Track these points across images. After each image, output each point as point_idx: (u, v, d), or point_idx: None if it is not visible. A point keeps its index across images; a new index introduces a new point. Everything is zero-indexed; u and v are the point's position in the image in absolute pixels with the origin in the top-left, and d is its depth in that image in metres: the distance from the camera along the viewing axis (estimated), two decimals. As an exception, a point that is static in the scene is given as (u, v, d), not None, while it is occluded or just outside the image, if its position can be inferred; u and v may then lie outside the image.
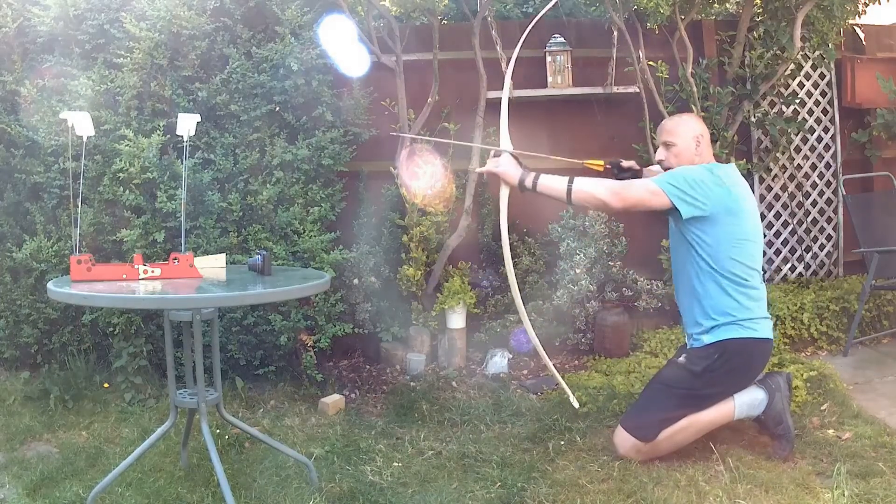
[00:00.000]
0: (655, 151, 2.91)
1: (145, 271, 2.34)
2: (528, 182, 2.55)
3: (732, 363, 2.54)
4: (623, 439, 2.58)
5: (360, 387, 3.52)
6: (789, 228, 4.37)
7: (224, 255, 2.81)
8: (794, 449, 2.58)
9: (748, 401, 2.58)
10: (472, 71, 3.85)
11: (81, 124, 2.39)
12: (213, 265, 2.59)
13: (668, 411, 2.52)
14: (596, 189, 2.50)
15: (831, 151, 4.41)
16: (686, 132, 2.72)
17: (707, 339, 2.57)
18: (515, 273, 3.94)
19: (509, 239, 4.01)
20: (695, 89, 3.93)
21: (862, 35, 4.46)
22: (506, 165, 2.61)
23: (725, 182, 2.53)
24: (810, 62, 4.30)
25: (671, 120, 2.88)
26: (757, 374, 2.65)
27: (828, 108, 4.41)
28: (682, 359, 2.63)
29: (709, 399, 2.54)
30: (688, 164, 2.68)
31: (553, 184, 2.54)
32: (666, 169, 2.74)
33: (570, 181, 2.51)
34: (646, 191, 2.51)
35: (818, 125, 4.39)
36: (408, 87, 3.87)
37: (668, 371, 2.67)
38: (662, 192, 2.48)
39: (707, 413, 2.55)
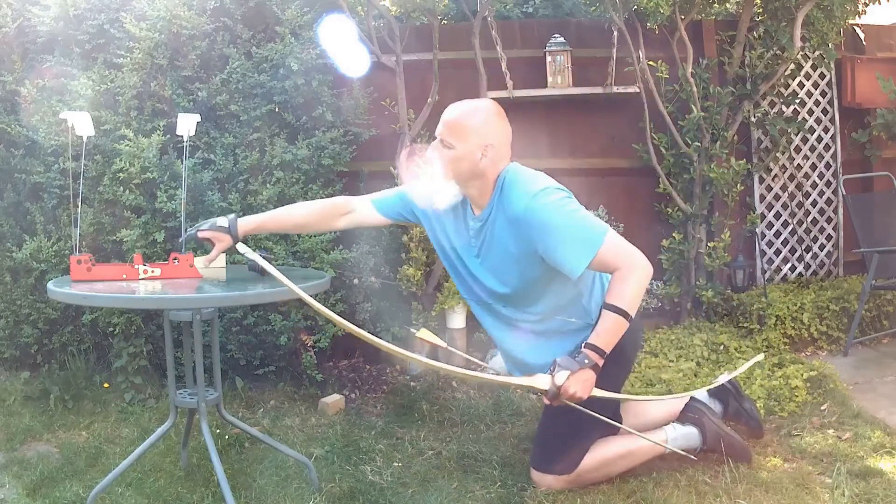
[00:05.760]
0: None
1: (145, 271, 2.34)
2: (599, 360, 2.09)
3: (628, 350, 2.39)
4: (540, 477, 2.38)
5: (360, 387, 3.52)
6: (789, 228, 4.37)
7: (224, 255, 2.81)
8: (761, 425, 2.67)
9: (679, 436, 2.47)
10: (472, 71, 3.84)
11: (81, 124, 2.39)
12: (213, 265, 2.58)
13: (583, 435, 2.32)
14: (628, 283, 2.13)
15: (831, 151, 4.41)
16: (473, 138, 2.15)
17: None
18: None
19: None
20: (695, 89, 3.93)
21: (862, 35, 4.46)
22: (580, 387, 2.08)
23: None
24: (810, 62, 4.30)
25: (460, 110, 2.20)
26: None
27: (828, 108, 4.41)
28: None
29: (613, 403, 2.37)
30: (467, 172, 2.20)
31: (611, 327, 2.10)
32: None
33: (616, 311, 2.10)
34: (622, 247, 2.18)
35: (818, 125, 4.39)
36: (408, 87, 3.86)
37: None
38: (620, 239, 2.18)
39: (638, 445, 2.40)
